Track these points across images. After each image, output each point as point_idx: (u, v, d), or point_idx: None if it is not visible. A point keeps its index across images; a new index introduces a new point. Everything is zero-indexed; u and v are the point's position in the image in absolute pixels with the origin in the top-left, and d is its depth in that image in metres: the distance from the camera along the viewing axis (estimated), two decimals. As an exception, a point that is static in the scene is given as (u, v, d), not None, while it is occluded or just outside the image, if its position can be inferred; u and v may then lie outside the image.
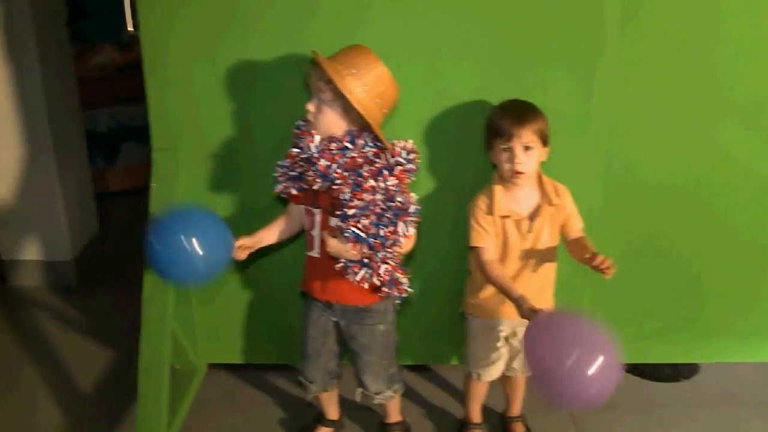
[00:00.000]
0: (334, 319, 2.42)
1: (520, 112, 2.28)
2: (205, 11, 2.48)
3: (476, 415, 2.73)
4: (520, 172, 2.27)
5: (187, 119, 2.62)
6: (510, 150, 2.26)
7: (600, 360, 1.89)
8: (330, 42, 2.27)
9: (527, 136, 2.24)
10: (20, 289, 4.00)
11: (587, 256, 2.21)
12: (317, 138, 2.18)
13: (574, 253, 2.36)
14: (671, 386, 2.97)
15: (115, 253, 4.32)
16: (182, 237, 2.12)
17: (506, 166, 2.29)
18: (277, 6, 2.46)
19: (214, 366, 3.12)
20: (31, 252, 4.01)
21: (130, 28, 2.57)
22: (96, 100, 5.08)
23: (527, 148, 2.26)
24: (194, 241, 2.11)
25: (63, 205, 3.91)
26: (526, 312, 2.08)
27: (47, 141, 3.78)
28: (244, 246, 2.30)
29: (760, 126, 2.57)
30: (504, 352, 2.52)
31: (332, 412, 2.73)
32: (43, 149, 3.79)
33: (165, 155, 2.66)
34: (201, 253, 2.12)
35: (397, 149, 2.18)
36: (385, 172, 2.15)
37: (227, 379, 3.10)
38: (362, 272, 2.19)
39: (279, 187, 2.31)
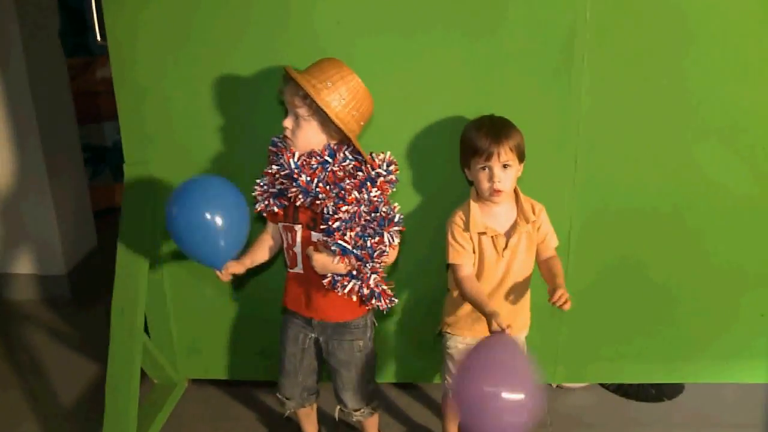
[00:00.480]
0: (314, 335, 2.41)
1: (497, 129, 2.25)
2: (174, 23, 2.48)
3: (454, 433, 2.71)
4: (499, 191, 2.26)
5: (160, 133, 2.62)
6: (489, 168, 2.25)
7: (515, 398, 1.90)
8: (305, 55, 2.29)
9: (506, 154, 2.22)
10: (12, 302, 4.00)
11: (549, 288, 2.23)
12: (296, 154, 2.17)
13: (543, 274, 2.37)
14: (654, 406, 2.93)
15: (113, 268, 4.29)
16: (207, 215, 2.15)
17: (485, 185, 2.27)
18: (250, 18, 2.45)
19: (198, 381, 3.11)
20: (23, 266, 4.02)
21: (98, 38, 2.55)
22: (102, 114, 5.07)
23: (505, 166, 2.24)
24: (219, 220, 2.16)
25: (56, 219, 3.90)
26: (494, 327, 2.07)
27: (38, 154, 3.77)
28: (235, 273, 2.29)
29: (736, 147, 2.54)
30: (481, 370, 2.49)
31: (310, 429, 2.70)
32: (35, 162, 3.79)
33: (137, 169, 2.66)
34: (223, 236, 2.17)
35: (377, 161, 2.18)
36: (368, 184, 2.15)
37: (211, 393, 3.08)
38: (352, 284, 2.19)
39: (261, 206, 2.30)
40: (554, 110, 2.50)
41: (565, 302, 2.15)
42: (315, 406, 2.65)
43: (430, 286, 2.70)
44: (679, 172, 2.57)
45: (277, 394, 2.55)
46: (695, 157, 2.55)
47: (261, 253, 2.40)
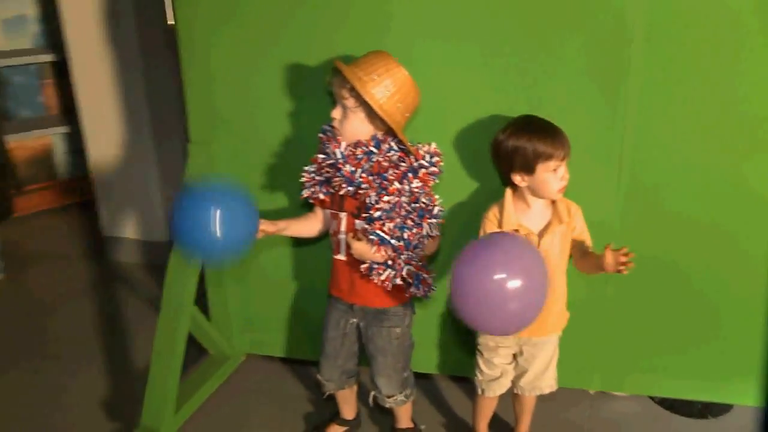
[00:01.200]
0: (355, 320, 2.48)
1: (554, 129, 2.25)
2: (243, 9, 2.56)
3: (483, 430, 2.71)
4: (565, 185, 2.27)
5: (225, 115, 2.72)
6: (559, 168, 2.24)
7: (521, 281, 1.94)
8: (360, 47, 2.34)
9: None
10: (117, 264, 4.25)
11: (599, 254, 2.18)
12: (343, 144, 2.24)
13: (583, 264, 2.34)
14: (697, 423, 2.81)
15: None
16: (205, 211, 2.13)
17: (556, 185, 2.25)
18: (313, 11, 2.51)
19: (257, 356, 3.21)
20: (129, 230, 4.24)
21: (170, 21, 2.65)
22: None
23: None
24: (217, 216, 2.11)
25: (159, 187, 4.07)
26: None
27: (145, 121, 3.93)
28: (266, 231, 2.34)
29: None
30: (509, 369, 2.50)
31: (348, 411, 2.77)
32: (142, 129, 3.95)
33: (200, 149, 2.76)
34: (220, 230, 2.12)
35: (421, 152, 2.23)
36: (410, 175, 2.21)
37: (267, 368, 3.18)
38: (387, 273, 2.24)
39: (306, 192, 2.38)
40: (601, 117, 2.44)
41: (626, 262, 2.12)
42: (355, 388, 2.72)
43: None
44: (729, 185, 2.45)
45: (318, 375, 2.63)
46: (745, 171, 2.43)
47: (301, 225, 2.49)
